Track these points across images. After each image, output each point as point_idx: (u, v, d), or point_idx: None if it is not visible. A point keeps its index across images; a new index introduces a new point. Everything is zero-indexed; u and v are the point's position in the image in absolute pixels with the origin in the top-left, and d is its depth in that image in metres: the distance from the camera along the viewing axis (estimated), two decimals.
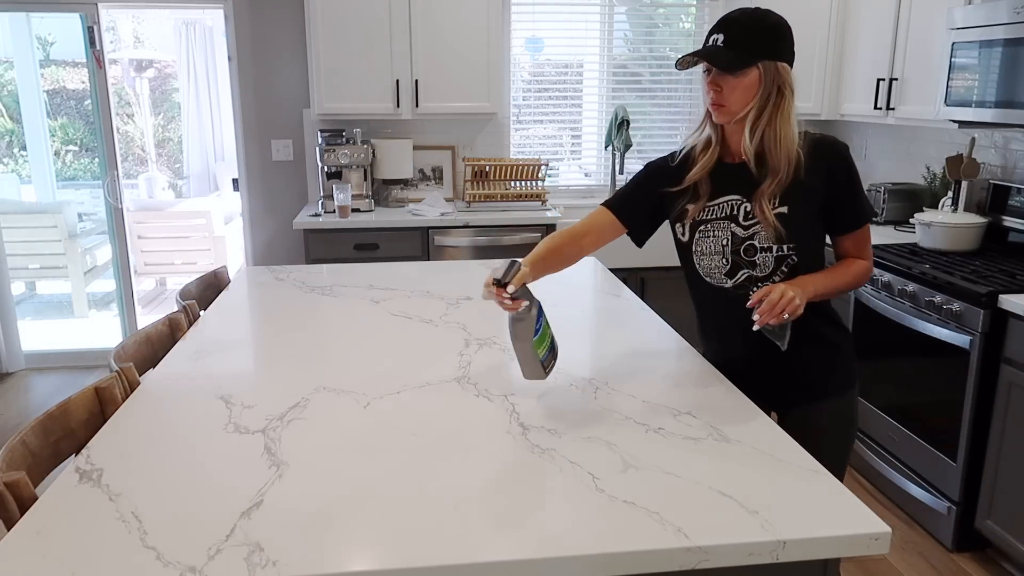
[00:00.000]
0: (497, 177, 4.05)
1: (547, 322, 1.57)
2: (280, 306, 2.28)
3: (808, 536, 1.09)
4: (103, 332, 4.97)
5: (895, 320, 2.81)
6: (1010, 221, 2.96)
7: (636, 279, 3.88)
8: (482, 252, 3.77)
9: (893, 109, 3.40)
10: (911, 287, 2.72)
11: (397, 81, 3.81)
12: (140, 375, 1.73)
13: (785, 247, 1.57)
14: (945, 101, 2.89)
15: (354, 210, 3.83)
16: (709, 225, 1.63)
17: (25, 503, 1.20)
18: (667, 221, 1.75)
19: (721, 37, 1.54)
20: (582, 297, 2.36)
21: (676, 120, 4.51)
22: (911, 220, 3.23)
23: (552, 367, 1.59)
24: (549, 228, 3.82)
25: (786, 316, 1.45)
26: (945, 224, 2.92)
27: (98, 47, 3.99)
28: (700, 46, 1.60)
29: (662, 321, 2.10)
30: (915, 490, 2.77)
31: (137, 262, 5.87)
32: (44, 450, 1.40)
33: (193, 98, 7.68)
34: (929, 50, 3.14)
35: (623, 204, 1.76)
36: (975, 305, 2.45)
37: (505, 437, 1.40)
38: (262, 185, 4.22)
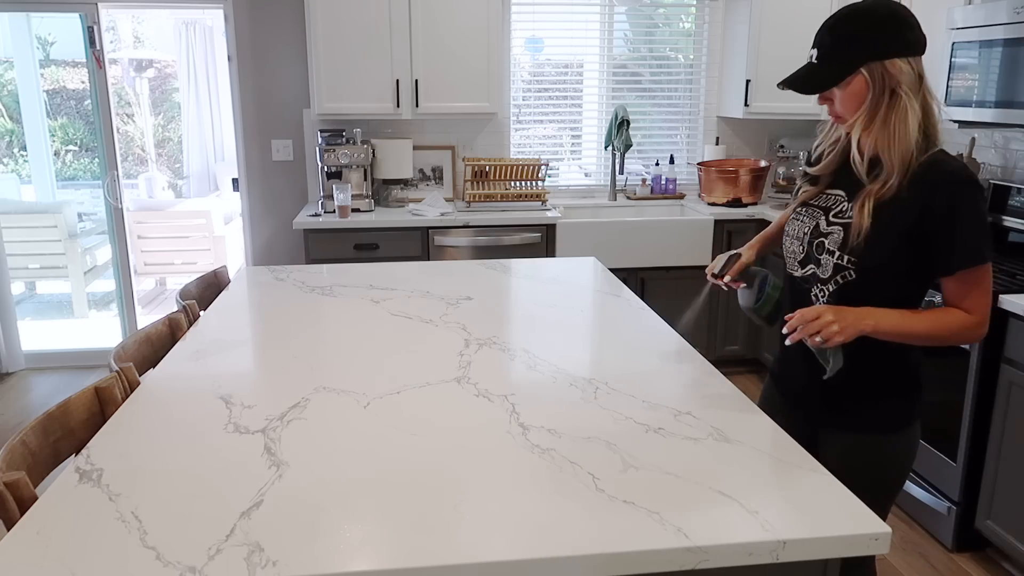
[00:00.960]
0: (497, 177, 4.05)
1: (775, 286, 1.72)
2: (280, 306, 2.28)
3: (808, 536, 1.09)
4: (103, 332, 4.97)
5: None
6: (1010, 221, 2.96)
7: (636, 279, 3.88)
8: (482, 252, 3.77)
9: None
10: None
11: (397, 81, 3.81)
12: (140, 375, 1.73)
13: (846, 258, 1.47)
14: (945, 101, 2.89)
15: (354, 210, 3.83)
16: (807, 210, 1.59)
17: (25, 503, 1.20)
18: None
19: (815, 52, 1.47)
20: (582, 297, 2.36)
21: (676, 120, 4.51)
22: None
23: (778, 318, 1.68)
24: (549, 228, 3.82)
25: (818, 340, 1.39)
26: None
27: (98, 47, 3.99)
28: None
29: (662, 321, 2.10)
30: (915, 490, 2.77)
31: (137, 262, 5.87)
32: (44, 450, 1.40)
33: (193, 98, 7.68)
34: (929, 50, 3.13)
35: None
36: None
37: (505, 437, 1.40)
38: (262, 185, 4.22)
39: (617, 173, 4.29)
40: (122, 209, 4.25)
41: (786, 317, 1.45)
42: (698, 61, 4.40)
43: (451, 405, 1.55)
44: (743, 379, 4.08)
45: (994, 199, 3.04)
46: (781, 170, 4.21)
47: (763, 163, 4.26)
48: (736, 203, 4.09)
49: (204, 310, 2.29)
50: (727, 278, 1.74)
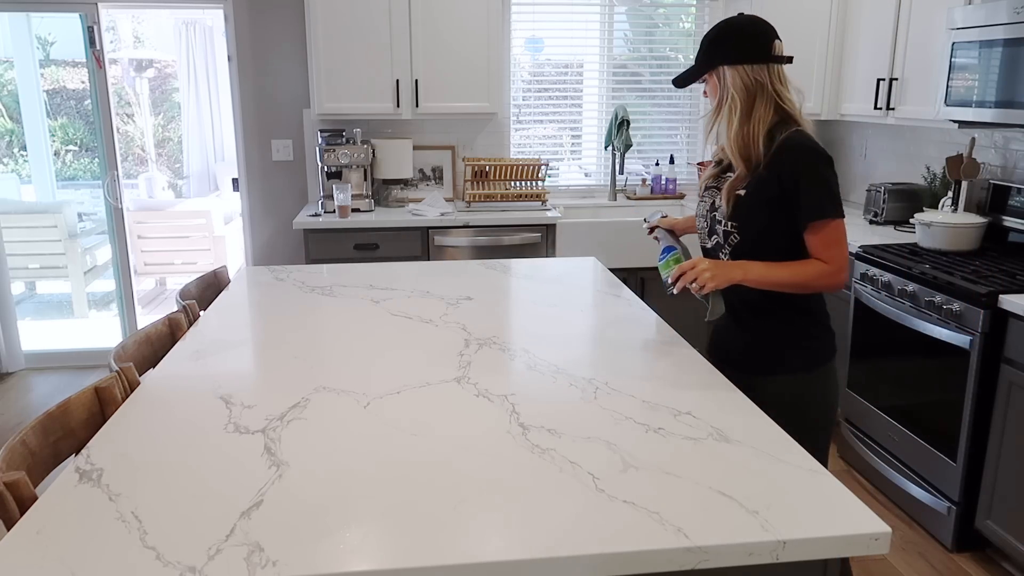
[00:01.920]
0: (497, 177, 4.05)
1: (676, 257, 1.86)
2: (280, 306, 2.28)
3: (808, 536, 1.09)
4: (103, 332, 4.97)
5: (895, 320, 2.81)
6: (1010, 221, 2.96)
7: (636, 279, 3.88)
8: (482, 252, 3.77)
9: (893, 109, 3.40)
10: (911, 287, 2.72)
11: (397, 81, 3.81)
12: (140, 375, 1.73)
13: (729, 224, 1.76)
14: (945, 101, 2.89)
15: (354, 210, 3.83)
16: (708, 192, 1.87)
17: (25, 503, 1.20)
18: None
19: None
20: (582, 297, 2.36)
21: (676, 120, 4.51)
22: (911, 220, 3.23)
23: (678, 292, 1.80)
24: (549, 228, 3.82)
25: (695, 286, 1.69)
26: (945, 224, 2.91)
27: (98, 47, 3.99)
28: (700, 46, 1.78)
29: (662, 321, 2.10)
30: (915, 490, 2.78)
31: (137, 262, 5.87)
32: (44, 450, 1.40)
33: (193, 98, 7.68)
34: (929, 50, 3.14)
35: None
36: (975, 305, 2.45)
37: (505, 437, 1.40)
38: (262, 185, 4.22)
39: (617, 173, 4.29)
40: (122, 209, 4.25)
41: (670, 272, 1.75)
42: None
43: (451, 405, 1.55)
44: None
45: (994, 199, 3.04)
46: None
47: None
48: None
49: (204, 310, 2.29)
50: (647, 226, 2.07)
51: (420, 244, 3.76)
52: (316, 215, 3.77)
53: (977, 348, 2.45)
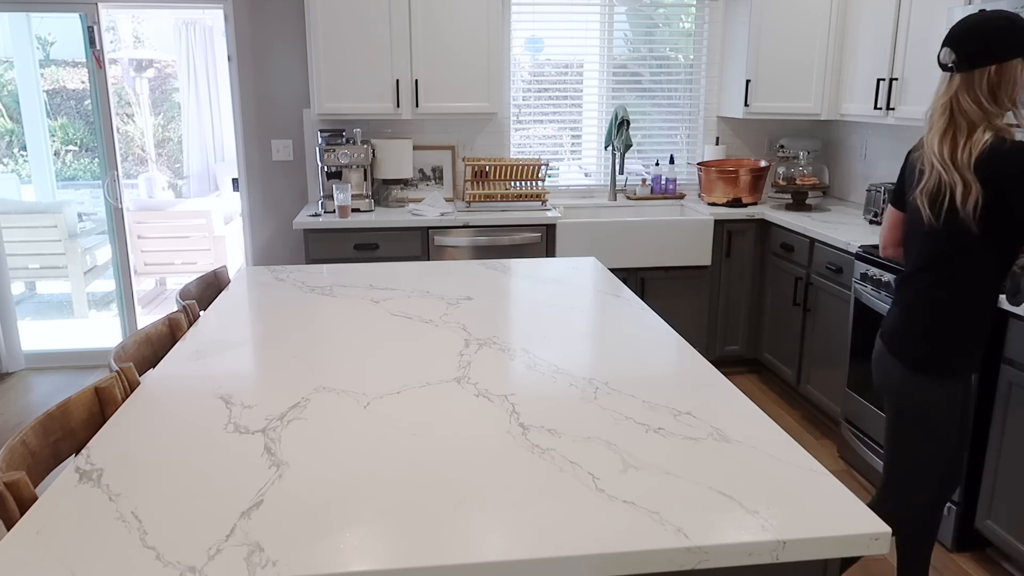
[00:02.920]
0: (497, 177, 4.05)
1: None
2: (280, 306, 2.28)
3: (808, 536, 1.09)
4: (103, 332, 4.97)
5: None
6: None
7: (636, 279, 3.88)
8: (482, 252, 3.77)
9: (893, 109, 3.40)
10: None
11: (397, 81, 3.82)
12: (140, 375, 1.73)
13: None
14: None
15: (354, 210, 3.83)
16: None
17: (25, 503, 1.20)
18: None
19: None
20: (582, 297, 2.36)
21: (676, 120, 4.52)
22: None
23: None
24: (549, 228, 3.82)
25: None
26: None
27: (98, 47, 3.99)
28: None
29: (662, 321, 2.10)
30: None
31: (137, 262, 5.87)
32: (44, 450, 1.40)
33: (193, 98, 7.68)
34: (929, 50, 3.14)
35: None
36: None
37: (505, 437, 1.40)
38: (262, 185, 4.22)
39: (617, 173, 4.29)
40: (122, 209, 4.25)
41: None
42: (698, 61, 4.41)
43: (451, 405, 1.55)
44: (743, 379, 4.08)
45: None
46: (781, 170, 4.21)
47: (763, 163, 4.26)
48: (736, 203, 4.09)
49: (204, 310, 2.29)
50: None
51: (420, 244, 3.76)
52: (316, 215, 3.77)
53: None
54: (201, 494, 1.21)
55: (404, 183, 4.17)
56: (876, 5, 3.54)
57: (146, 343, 1.95)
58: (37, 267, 5.53)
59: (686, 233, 3.88)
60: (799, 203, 4.06)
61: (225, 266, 2.70)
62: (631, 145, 4.14)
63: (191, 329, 2.08)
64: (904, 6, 3.31)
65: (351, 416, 1.50)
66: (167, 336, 2.05)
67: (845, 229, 3.48)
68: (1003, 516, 2.45)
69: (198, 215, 6.27)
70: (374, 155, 3.96)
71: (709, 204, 4.16)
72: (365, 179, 3.93)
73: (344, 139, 3.91)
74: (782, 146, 4.32)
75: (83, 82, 7.22)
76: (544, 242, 3.83)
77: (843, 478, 3.06)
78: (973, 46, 1.80)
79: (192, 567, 1.02)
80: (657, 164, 4.46)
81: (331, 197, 3.81)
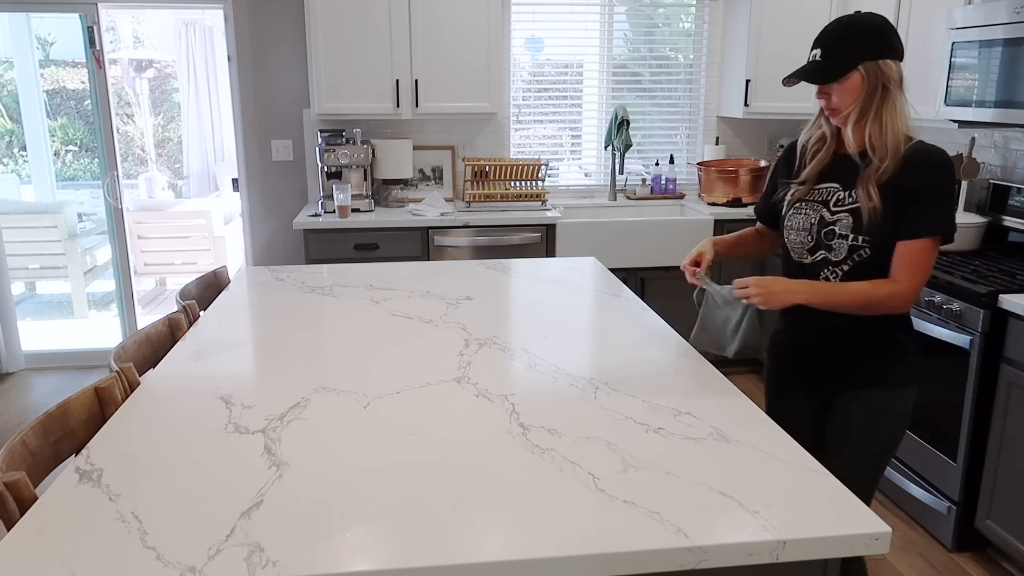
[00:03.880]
0: (497, 177, 4.05)
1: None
2: (280, 306, 2.28)
3: (808, 536, 1.09)
4: (103, 332, 4.97)
5: None
6: (1010, 221, 2.96)
7: (636, 279, 3.88)
8: (482, 252, 3.77)
9: None
10: None
11: (397, 81, 3.81)
12: (140, 375, 1.73)
13: (860, 238, 1.65)
14: (945, 101, 2.89)
15: (354, 210, 3.83)
16: (805, 205, 1.75)
17: (25, 503, 1.20)
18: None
19: (818, 52, 1.66)
20: (582, 297, 2.36)
21: (676, 120, 4.51)
22: None
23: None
24: (549, 228, 3.82)
25: (754, 300, 1.65)
26: None
27: (98, 47, 3.99)
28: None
29: (662, 321, 2.10)
30: (915, 490, 2.77)
31: (137, 262, 5.87)
32: (44, 450, 1.40)
33: (193, 98, 7.68)
34: (929, 50, 3.14)
35: (764, 213, 1.96)
36: (975, 305, 2.45)
37: (505, 437, 1.40)
38: (262, 185, 4.22)
39: (617, 173, 4.29)
40: (122, 209, 4.25)
41: (736, 284, 1.70)
42: (698, 61, 4.40)
43: (451, 405, 1.55)
44: (743, 379, 4.08)
45: (994, 199, 3.04)
46: None
47: (763, 163, 4.26)
48: (736, 203, 4.09)
49: (204, 310, 2.29)
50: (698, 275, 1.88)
51: (420, 244, 3.76)
52: (316, 215, 3.77)
53: (977, 348, 2.45)
54: (201, 494, 1.21)
55: (404, 183, 4.17)
56: (876, 5, 3.54)
57: (146, 343, 1.95)
58: (37, 267, 5.53)
59: (686, 233, 3.88)
60: None
61: (225, 266, 2.70)
62: (631, 145, 4.14)
63: (191, 329, 2.08)
64: (904, 6, 3.31)
65: (351, 416, 1.50)
66: (167, 336, 2.05)
67: None
68: (1003, 516, 2.45)
69: (198, 215, 6.27)
70: (374, 155, 3.96)
71: (709, 204, 4.16)
72: (365, 179, 3.93)
73: (344, 139, 3.91)
74: (782, 146, 4.32)
75: (83, 82, 7.21)
76: (544, 242, 3.83)
77: None
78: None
79: (192, 567, 1.02)
80: (657, 164, 4.45)
81: (331, 197, 3.81)
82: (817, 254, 1.73)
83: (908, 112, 1.64)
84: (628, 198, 4.36)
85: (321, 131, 3.97)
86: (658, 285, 3.89)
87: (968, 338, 2.48)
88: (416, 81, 3.83)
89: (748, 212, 3.99)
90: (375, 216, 3.81)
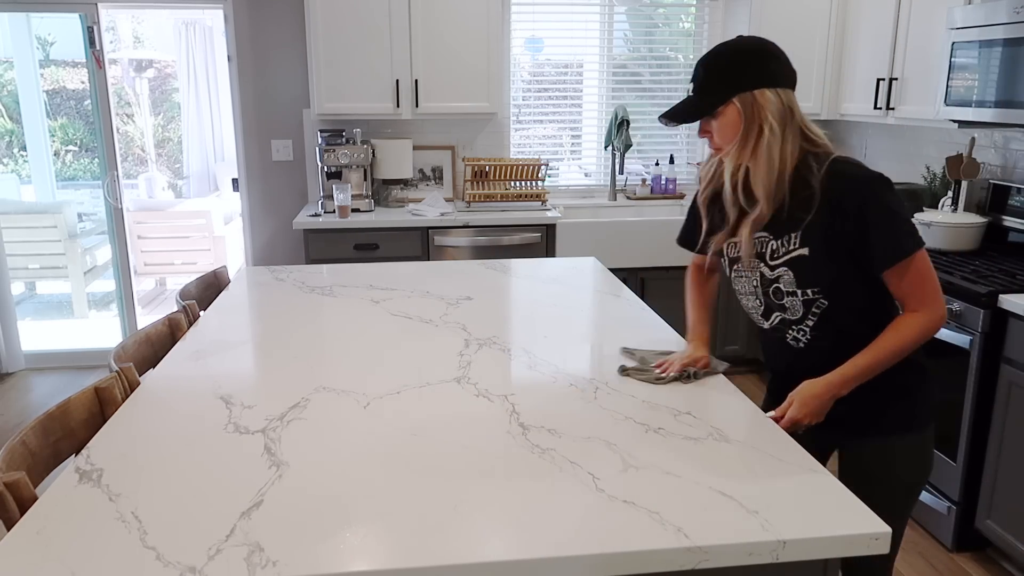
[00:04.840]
0: (497, 177, 4.05)
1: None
2: (280, 306, 2.28)
3: (808, 536, 1.09)
4: (103, 332, 4.97)
5: None
6: (1010, 221, 2.96)
7: (636, 279, 3.88)
8: (482, 252, 3.77)
9: (893, 109, 3.40)
10: None
11: (397, 81, 3.81)
12: (140, 375, 1.73)
13: (810, 291, 1.48)
14: (945, 101, 2.89)
15: (354, 210, 3.83)
16: (741, 265, 1.59)
17: (25, 503, 1.20)
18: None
19: (692, 86, 1.54)
20: (582, 297, 2.36)
21: None
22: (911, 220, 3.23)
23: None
24: (549, 228, 3.82)
25: (785, 428, 1.47)
26: (945, 224, 2.92)
27: (98, 47, 3.99)
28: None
29: (662, 321, 2.10)
30: None
31: (137, 262, 5.87)
32: (44, 450, 1.40)
33: (193, 98, 7.68)
34: (929, 50, 3.14)
35: (689, 240, 1.77)
36: (975, 305, 2.45)
37: (505, 437, 1.40)
38: (262, 185, 4.22)
39: (617, 173, 4.29)
40: (122, 209, 4.25)
41: (773, 415, 1.51)
42: None
43: (451, 405, 1.55)
44: (743, 379, 4.08)
45: (994, 199, 3.04)
46: None
47: None
48: None
49: (204, 310, 2.29)
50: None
51: (420, 244, 3.76)
52: (316, 215, 3.77)
53: (977, 348, 2.45)
54: (201, 494, 1.21)
55: (404, 183, 4.17)
56: (876, 5, 3.53)
57: (146, 343, 1.95)
58: (37, 267, 5.53)
59: None
60: None
61: (225, 266, 2.70)
62: (631, 145, 4.14)
63: (191, 329, 2.08)
64: (904, 6, 3.30)
65: (351, 416, 1.50)
66: (167, 336, 2.05)
67: None
68: (1003, 516, 2.45)
69: (198, 215, 6.27)
70: (374, 155, 3.96)
71: None
72: (365, 179, 3.93)
73: (344, 139, 3.91)
74: None
75: (83, 82, 7.21)
76: (544, 242, 3.83)
77: None
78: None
79: (192, 567, 1.02)
80: (657, 164, 4.45)
81: (331, 197, 3.81)
82: (773, 317, 1.57)
83: (815, 136, 1.47)
84: (628, 198, 4.36)
85: (321, 131, 3.97)
86: (658, 285, 3.88)
87: (968, 338, 2.48)
88: (416, 81, 3.83)
89: None
90: (375, 216, 3.81)
